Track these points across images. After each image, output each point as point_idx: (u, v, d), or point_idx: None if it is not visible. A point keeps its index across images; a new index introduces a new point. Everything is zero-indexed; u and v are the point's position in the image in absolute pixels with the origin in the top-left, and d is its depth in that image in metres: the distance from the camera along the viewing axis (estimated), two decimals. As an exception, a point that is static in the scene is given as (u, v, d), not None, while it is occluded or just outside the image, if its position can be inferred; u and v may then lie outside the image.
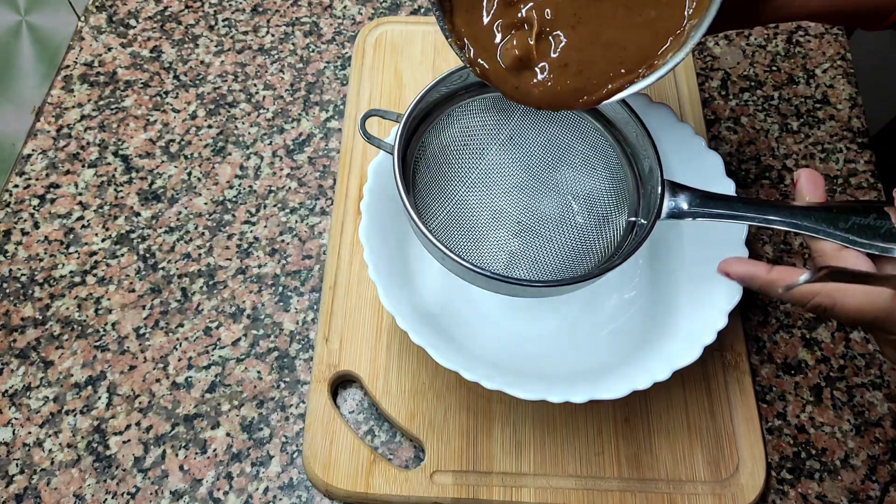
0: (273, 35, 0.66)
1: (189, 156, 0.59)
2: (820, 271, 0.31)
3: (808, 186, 0.38)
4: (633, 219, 0.43)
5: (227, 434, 0.48)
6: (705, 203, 0.40)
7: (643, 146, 0.42)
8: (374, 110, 0.44)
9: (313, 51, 0.65)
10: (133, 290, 0.53)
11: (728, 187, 0.46)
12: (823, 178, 0.39)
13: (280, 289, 0.53)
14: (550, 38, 0.38)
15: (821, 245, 0.36)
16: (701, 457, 0.46)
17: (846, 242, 0.35)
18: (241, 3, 0.68)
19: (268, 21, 0.67)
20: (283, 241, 0.55)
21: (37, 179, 0.58)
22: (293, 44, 0.66)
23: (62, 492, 0.46)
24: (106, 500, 0.46)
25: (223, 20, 0.67)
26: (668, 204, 0.40)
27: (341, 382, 0.50)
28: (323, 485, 0.45)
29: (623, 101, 0.41)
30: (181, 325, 0.52)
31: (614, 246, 0.43)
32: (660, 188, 0.40)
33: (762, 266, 0.37)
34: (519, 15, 0.38)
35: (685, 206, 0.40)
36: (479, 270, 0.38)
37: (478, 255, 0.45)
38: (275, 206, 0.57)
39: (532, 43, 0.38)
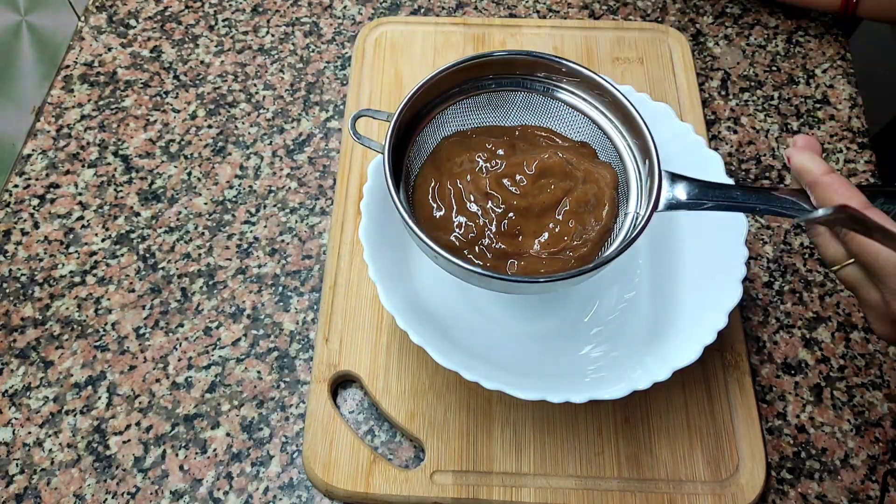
0: (273, 35, 0.66)
1: (189, 156, 0.59)
2: (839, 210, 0.32)
3: (808, 159, 0.36)
4: (631, 212, 0.42)
5: (227, 434, 0.48)
6: (704, 193, 0.39)
7: (640, 136, 0.42)
8: (364, 110, 0.43)
9: (313, 51, 0.65)
10: (133, 290, 0.53)
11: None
12: (818, 144, 0.38)
13: (280, 289, 0.53)
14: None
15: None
16: (701, 457, 0.46)
17: (843, 224, 0.35)
18: (241, 3, 0.68)
19: (268, 21, 0.67)
20: (283, 241, 0.55)
21: (37, 179, 0.58)
22: (293, 44, 0.66)
23: (62, 492, 0.46)
24: (106, 500, 0.46)
25: (223, 20, 0.67)
26: (665, 195, 0.39)
27: (341, 382, 0.50)
28: (323, 485, 0.45)
29: (619, 92, 0.42)
30: (181, 325, 0.52)
31: (612, 240, 0.43)
32: (657, 179, 0.39)
33: (822, 167, 0.36)
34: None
35: (683, 196, 0.39)
36: (470, 269, 0.38)
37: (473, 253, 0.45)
38: (275, 206, 0.57)
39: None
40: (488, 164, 0.43)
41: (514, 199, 0.43)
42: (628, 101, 0.43)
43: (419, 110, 0.44)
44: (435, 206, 0.43)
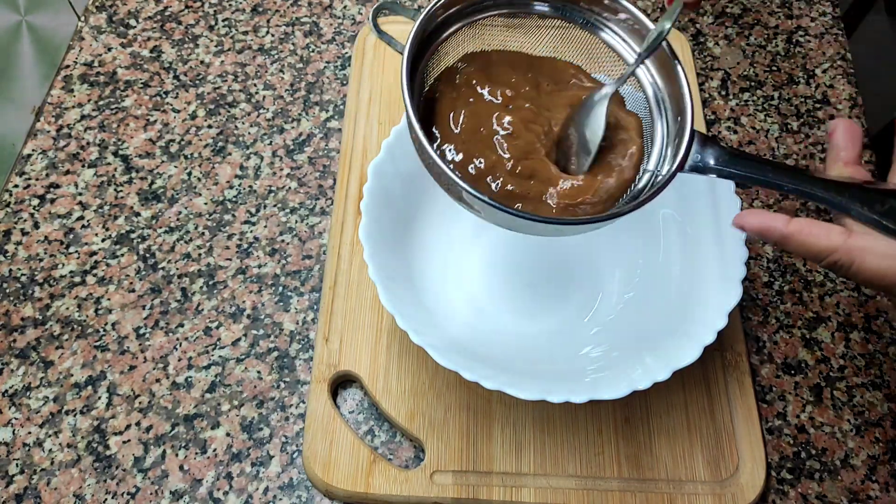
0: (273, 35, 0.66)
1: (189, 156, 0.59)
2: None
3: (846, 139, 0.36)
4: (651, 169, 0.40)
5: (227, 434, 0.48)
6: (734, 162, 0.37)
7: (676, 91, 0.40)
8: (388, 2, 0.40)
9: (313, 51, 0.65)
10: (133, 290, 0.53)
11: (728, 187, 0.46)
12: (861, 132, 0.37)
13: (280, 289, 0.53)
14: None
15: (848, 222, 0.35)
16: (701, 457, 0.46)
17: (877, 227, 0.34)
18: (241, 3, 0.68)
19: (268, 21, 0.67)
20: (283, 241, 0.55)
21: (37, 179, 0.58)
22: (293, 44, 0.66)
23: (62, 492, 0.46)
24: (106, 500, 0.46)
25: (223, 20, 0.67)
26: (693, 156, 0.37)
27: (341, 382, 0.50)
28: (323, 485, 0.45)
29: (666, 41, 0.40)
30: (181, 325, 0.52)
31: (630, 196, 0.40)
32: (687, 137, 0.37)
33: (780, 218, 0.35)
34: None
35: (711, 161, 0.37)
36: (490, 202, 0.35)
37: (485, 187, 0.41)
38: (275, 206, 0.57)
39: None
40: (508, 102, 0.41)
41: (534, 140, 0.40)
42: (672, 50, 0.40)
43: (447, 18, 0.41)
44: (450, 131, 0.40)
